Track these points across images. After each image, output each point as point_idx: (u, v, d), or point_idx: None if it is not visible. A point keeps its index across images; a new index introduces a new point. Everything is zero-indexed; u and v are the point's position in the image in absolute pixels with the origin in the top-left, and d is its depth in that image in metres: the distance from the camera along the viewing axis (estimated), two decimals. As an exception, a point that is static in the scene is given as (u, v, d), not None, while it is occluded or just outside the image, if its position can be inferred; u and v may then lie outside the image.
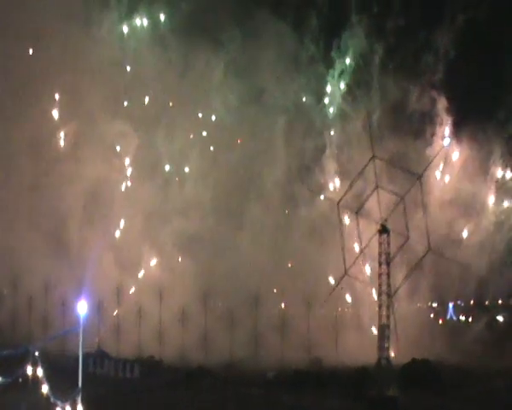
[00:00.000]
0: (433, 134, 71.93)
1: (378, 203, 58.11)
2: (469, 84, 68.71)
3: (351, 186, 60.09)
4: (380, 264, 60.18)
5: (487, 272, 68.65)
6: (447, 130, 72.01)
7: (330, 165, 73.43)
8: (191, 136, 74.37)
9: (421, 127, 71.36)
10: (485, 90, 68.77)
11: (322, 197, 67.09)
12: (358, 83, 72.30)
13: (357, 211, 58.20)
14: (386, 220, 58.57)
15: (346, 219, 66.45)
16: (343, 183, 70.52)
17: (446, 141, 70.60)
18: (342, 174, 72.11)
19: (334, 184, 72.91)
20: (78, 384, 44.80)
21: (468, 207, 70.58)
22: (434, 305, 74.09)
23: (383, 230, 59.37)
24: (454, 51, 70.78)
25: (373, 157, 58.49)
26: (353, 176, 68.53)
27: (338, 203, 60.01)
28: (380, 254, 59.72)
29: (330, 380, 58.63)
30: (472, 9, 68.69)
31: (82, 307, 44.57)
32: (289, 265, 71.83)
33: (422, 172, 60.30)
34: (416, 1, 69.66)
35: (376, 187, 58.81)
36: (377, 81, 71.48)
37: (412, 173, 61.14)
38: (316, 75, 73.67)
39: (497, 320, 76.02)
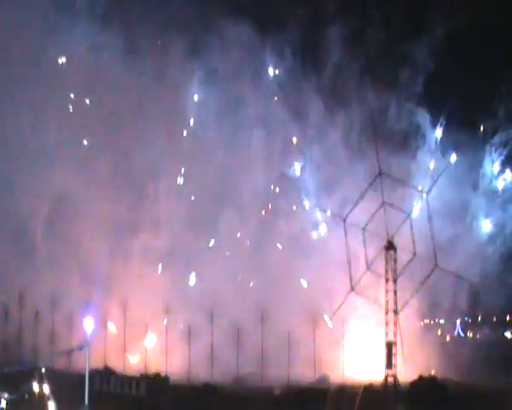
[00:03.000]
0: (417, 147, 71.78)
1: (385, 220, 57.97)
2: (452, 96, 69.03)
3: (357, 203, 59.95)
4: (386, 280, 59.94)
5: (493, 288, 68.30)
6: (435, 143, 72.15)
7: (311, 179, 73.21)
8: (165, 148, 72.61)
9: (404, 140, 71.03)
10: (470, 100, 68.97)
11: (328, 213, 66.92)
12: (337, 96, 72.01)
13: (364, 227, 58.17)
14: (392, 237, 58.50)
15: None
16: (325, 197, 70.32)
17: (453, 157, 70.59)
18: (323, 188, 71.89)
19: (317, 197, 72.50)
20: (84, 401, 44.72)
21: (460, 219, 70.23)
22: (442, 321, 73.67)
23: (390, 246, 59.19)
24: (436, 64, 70.47)
25: (379, 174, 58.43)
26: (334, 190, 68.81)
27: (344, 220, 59.91)
28: (386, 271, 59.48)
29: (337, 397, 58.44)
30: (453, 21, 68.74)
31: (88, 324, 44.55)
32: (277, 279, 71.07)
33: (429, 188, 60.20)
34: (396, 13, 69.64)
35: (383, 203, 58.68)
36: (356, 94, 71.19)
37: (418, 190, 61.07)
38: (295, 88, 73.41)
39: (505, 337, 75.72)
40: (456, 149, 70.83)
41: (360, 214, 61.41)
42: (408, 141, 71.21)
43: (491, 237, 70.25)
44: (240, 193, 71.44)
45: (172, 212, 71.35)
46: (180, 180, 72.65)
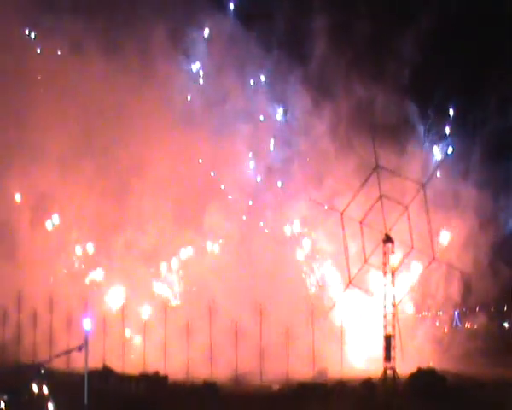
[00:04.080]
0: (406, 140, 71.59)
1: (382, 213, 58.01)
2: (441, 88, 68.94)
3: (354, 197, 59.90)
4: (384, 274, 60.01)
5: (490, 279, 68.39)
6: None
7: (299, 174, 72.93)
8: (150, 143, 71.70)
9: (393, 133, 70.80)
10: (459, 93, 68.96)
11: (325, 207, 66.82)
12: (324, 88, 71.78)
13: (361, 221, 58.18)
14: (390, 230, 58.58)
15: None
16: (313, 190, 70.17)
17: (449, 149, 70.61)
18: (311, 181, 71.56)
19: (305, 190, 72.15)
20: (83, 401, 44.59)
21: (451, 209, 70.20)
22: (440, 313, 73.65)
23: (387, 239, 59.26)
24: (425, 56, 70.21)
25: (376, 167, 58.44)
26: (322, 183, 68.73)
27: (342, 213, 59.86)
28: (384, 264, 59.55)
29: (336, 391, 58.50)
30: (440, 11, 68.62)
31: (87, 324, 44.48)
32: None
33: (426, 181, 60.19)
34: (381, 5, 69.44)
35: (380, 197, 58.66)
36: (343, 86, 70.91)
37: (415, 182, 61.04)
38: (281, 82, 73.03)
39: (504, 327, 75.80)
40: (446, 139, 70.89)
41: (351, 207, 61.51)
42: (396, 133, 71.03)
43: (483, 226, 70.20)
44: (226, 187, 71.24)
45: (158, 208, 70.97)
46: (165, 175, 72.10)
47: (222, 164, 72.00)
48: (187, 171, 71.84)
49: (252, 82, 74.07)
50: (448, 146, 71.17)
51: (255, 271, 68.63)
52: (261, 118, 73.37)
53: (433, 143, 72.55)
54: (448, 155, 70.44)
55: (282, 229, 72.03)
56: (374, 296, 63.36)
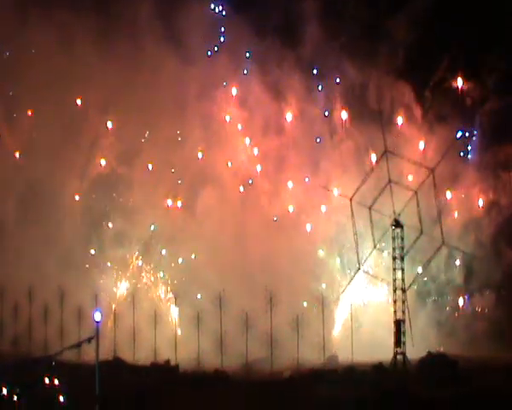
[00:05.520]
0: (402, 123, 71.23)
1: (392, 199, 58.09)
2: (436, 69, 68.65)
3: (363, 182, 60.04)
4: (394, 259, 60.20)
5: (503, 263, 68.34)
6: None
7: (295, 158, 72.66)
8: (141, 131, 72.04)
9: (389, 116, 70.24)
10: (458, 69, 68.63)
11: (335, 193, 66.74)
12: (317, 72, 71.33)
13: (371, 206, 58.32)
14: (399, 215, 58.66)
15: None
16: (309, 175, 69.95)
17: (458, 134, 70.33)
18: (307, 166, 71.31)
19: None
20: (95, 392, 44.72)
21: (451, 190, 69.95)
22: (448, 297, 73.57)
23: (396, 224, 59.39)
24: (419, 38, 69.66)
25: (385, 152, 58.48)
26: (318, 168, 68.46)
27: (351, 199, 59.97)
28: (393, 249, 59.73)
29: (347, 377, 58.60)
30: None
31: (97, 316, 44.61)
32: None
33: (435, 166, 60.12)
34: None
35: (389, 182, 58.77)
36: (337, 71, 70.42)
37: (425, 167, 61.08)
38: (274, 65, 72.73)
39: (512, 310, 75.67)
40: (445, 119, 70.65)
41: (350, 191, 61.36)
42: (392, 115, 70.63)
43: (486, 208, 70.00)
44: (220, 174, 71.17)
45: (151, 195, 70.81)
46: (156, 164, 71.84)
47: (216, 150, 71.83)
48: (180, 157, 71.46)
49: (244, 67, 73.79)
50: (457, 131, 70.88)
51: (256, 257, 68.52)
52: (254, 103, 73.01)
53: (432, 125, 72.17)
54: (457, 139, 70.20)
55: (279, 215, 71.70)
56: (384, 281, 63.43)
